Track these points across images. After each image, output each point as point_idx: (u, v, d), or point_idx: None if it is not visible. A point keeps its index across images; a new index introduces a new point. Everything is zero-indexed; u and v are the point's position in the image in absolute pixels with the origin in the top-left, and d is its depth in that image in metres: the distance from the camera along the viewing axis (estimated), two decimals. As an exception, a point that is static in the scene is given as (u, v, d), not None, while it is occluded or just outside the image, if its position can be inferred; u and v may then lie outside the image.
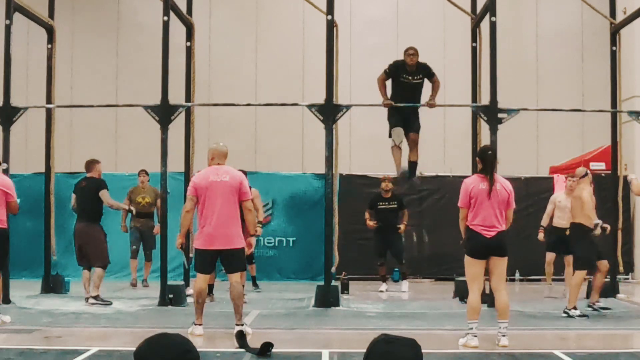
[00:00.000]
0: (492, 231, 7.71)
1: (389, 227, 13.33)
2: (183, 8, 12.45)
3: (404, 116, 11.26)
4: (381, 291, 13.22)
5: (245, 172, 13.54)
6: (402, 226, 13.52)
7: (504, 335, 7.67)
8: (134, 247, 13.83)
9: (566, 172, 14.58)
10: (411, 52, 11.11)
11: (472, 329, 7.72)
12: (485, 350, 7.67)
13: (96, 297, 10.90)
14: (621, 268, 12.45)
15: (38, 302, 11.14)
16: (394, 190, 13.53)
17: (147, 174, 14.04)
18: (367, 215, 13.53)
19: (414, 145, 11.36)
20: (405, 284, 13.44)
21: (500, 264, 7.79)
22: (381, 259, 13.53)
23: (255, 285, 13.71)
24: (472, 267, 7.87)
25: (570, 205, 11.59)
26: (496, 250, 7.74)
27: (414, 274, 15.95)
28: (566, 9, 17.72)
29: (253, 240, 8.51)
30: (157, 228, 13.29)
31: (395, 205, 13.41)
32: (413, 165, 11.58)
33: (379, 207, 13.41)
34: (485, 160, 7.86)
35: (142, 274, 14.04)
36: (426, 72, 11.14)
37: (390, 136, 11.35)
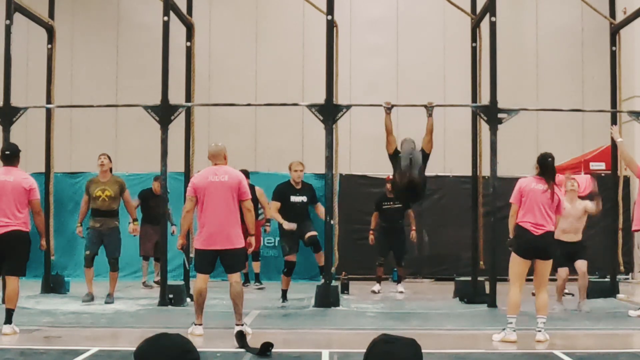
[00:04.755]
0: (540, 230, 8.04)
1: (394, 227, 13.24)
2: (183, 8, 12.45)
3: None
4: (373, 291, 13.11)
5: (247, 172, 13.69)
6: (413, 233, 13.56)
7: (539, 331, 7.99)
8: (88, 252, 11.38)
9: (566, 172, 14.56)
10: (408, 139, 10.86)
11: (511, 323, 8.00)
12: (485, 350, 7.69)
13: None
14: (621, 268, 12.46)
15: (38, 302, 11.14)
16: None
17: (108, 158, 11.67)
18: (373, 219, 13.40)
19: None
20: (401, 286, 13.30)
21: (544, 266, 8.15)
22: (381, 259, 13.45)
23: (258, 282, 13.88)
24: (518, 267, 8.13)
25: (573, 213, 10.94)
26: (542, 252, 8.07)
27: (414, 274, 15.97)
28: (566, 9, 17.70)
29: (252, 240, 8.51)
30: (132, 227, 11.91)
31: (400, 205, 13.23)
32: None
33: (384, 207, 13.32)
34: (545, 166, 8.21)
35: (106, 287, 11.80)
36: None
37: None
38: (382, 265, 13.49)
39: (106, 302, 11.06)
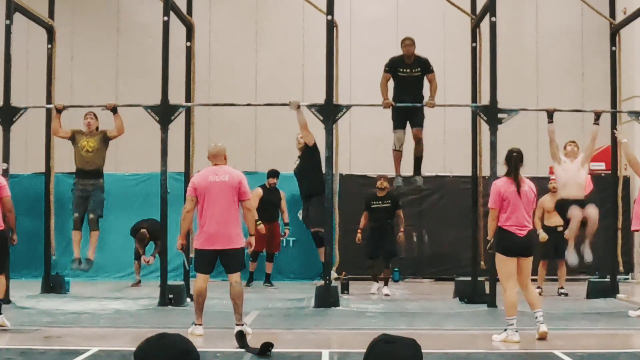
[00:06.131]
0: (524, 230, 8.13)
1: (382, 227, 13.00)
2: (183, 8, 12.45)
3: (406, 113, 11.32)
4: (372, 293, 12.91)
5: (277, 172, 13.89)
6: (400, 234, 13.28)
7: (542, 323, 8.08)
8: (76, 214, 11.02)
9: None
10: (407, 42, 11.36)
11: (512, 324, 8.04)
12: (485, 350, 7.69)
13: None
14: (621, 268, 12.46)
15: (38, 302, 11.14)
16: (389, 190, 13.28)
17: (95, 117, 11.39)
18: (362, 219, 13.14)
19: (417, 140, 11.42)
20: (386, 288, 12.97)
21: (527, 264, 8.24)
22: (372, 260, 13.22)
23: (268, 282, 14.00)
24: (507, 266, 8.17)
25: (572, 166, 11.16)
26: (526, 250, 8.18)
27: (414, 274, 15.98)
28: (566, 9, 17.70)
29: (252, 239, 8.51)
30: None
31: (389, 205, 13.05)
32: (417, 161, 11.59)
33: (373, 206, 13.09)
34: (510, 162, 8.25)
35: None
36: (424, 66, 11.27)
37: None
38: (375, 266, 13.29)
39: (82, 268, 10.78)
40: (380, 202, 13.11)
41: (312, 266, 14.68)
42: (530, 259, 8.28)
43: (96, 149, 11.13)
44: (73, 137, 11.25)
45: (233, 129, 17.17)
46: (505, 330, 8.06)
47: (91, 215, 11.03)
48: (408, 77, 11.23)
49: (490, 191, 8.34)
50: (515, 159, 8.21)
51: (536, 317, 8.12)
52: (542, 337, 8.02)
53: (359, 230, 13.24)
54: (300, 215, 12.91)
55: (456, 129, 16.34)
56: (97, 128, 11.34)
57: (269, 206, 13.43)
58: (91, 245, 11.12)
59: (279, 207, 14.08)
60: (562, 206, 11.22)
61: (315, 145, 11.87)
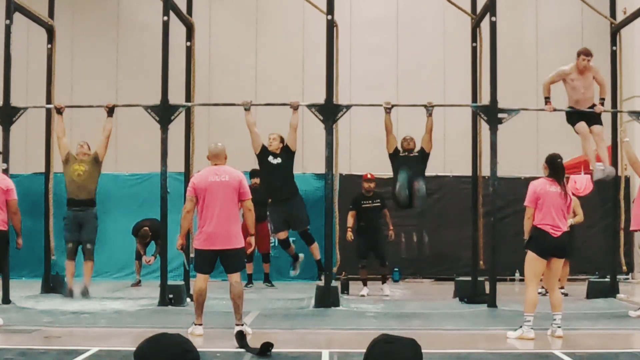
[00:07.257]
0: (559, 231, 8.30)
1: (374, 227, 12.93)
2: (183, 8, 12.45)
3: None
4: (362, 295, 12.69)
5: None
6: (391, 233, 13.20)
7: (559, 327, 8.28)
8: (70, 244, 11.33)
9: (566, 172, 14.54)
10: (407, 137, 11.69)
11: (529, 321, 8.18)
12: (485, 350, 7.69)
13: None
14: (624, 268, 12.45)
15: (38, 302, 11.14)
16: (375, 189, 13.18)
17: (88, 147, 11.57)
18: (350, 218, 13.01)
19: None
20: (387, 288, 13.03)
21: (558, 265, 8.43)
22: (363, 261, 13.07)
23: (267, 282, 14.12)
24: (536, 266, 8.34)
25: (583, 83, 11.19)
26: (559, 250, 8.38)
27: (414, 274, 15.97)
28: (566, 9, 17.69)
29: (252, 239, 8.51)
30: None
31: (379, 204, 13.01)
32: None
33: (363, 206, 13.01)
34: (555, 166, 8.51)
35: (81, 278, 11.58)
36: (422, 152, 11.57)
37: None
38: (365, 267, 13.13)
39: (83, 296, 11.03)
40: (370, 202, 13.03)
41: (312, 266, 14.61)
42: (562, 260, 8.50)
43: (88, 173, 11.28)
44: (67, 160, 11.38)
45: (233, 129, 17.16)
46: (521, 327, 8.19)
47: (88, 246, 11.30)
48: (407, 157, 11.57)
49: (527, 190, 8.53)
50: (560, 164, 8.51)
51: (554, 319, 8.30)
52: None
53: (348, 229, 13.06)
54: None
55: (456, 129, 16.33)
56: (87, 156, 11.52)
57: (255, 207, 13.36)
58: (86, 275, 11.33)
59: (266, 207, 13.93)
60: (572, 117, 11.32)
61: (294, 150, 11.74)
